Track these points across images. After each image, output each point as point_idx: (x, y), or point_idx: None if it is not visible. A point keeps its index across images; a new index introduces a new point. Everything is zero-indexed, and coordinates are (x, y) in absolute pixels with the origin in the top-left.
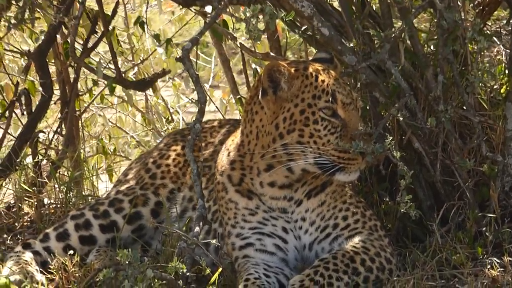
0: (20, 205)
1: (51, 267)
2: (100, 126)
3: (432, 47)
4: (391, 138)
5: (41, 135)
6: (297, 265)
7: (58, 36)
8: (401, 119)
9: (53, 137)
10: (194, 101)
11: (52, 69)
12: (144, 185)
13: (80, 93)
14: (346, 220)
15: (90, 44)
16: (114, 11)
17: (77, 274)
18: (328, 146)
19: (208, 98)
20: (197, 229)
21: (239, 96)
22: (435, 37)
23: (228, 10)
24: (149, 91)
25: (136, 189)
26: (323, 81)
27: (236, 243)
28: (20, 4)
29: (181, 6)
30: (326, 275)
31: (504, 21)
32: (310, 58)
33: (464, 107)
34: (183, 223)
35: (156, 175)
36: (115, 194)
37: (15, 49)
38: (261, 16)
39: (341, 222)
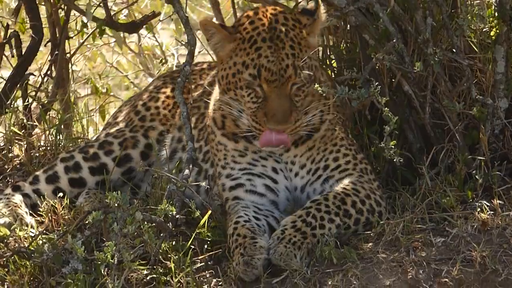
0: (10, 147)
1: (41, 209)
2: (98, 64)
3: None
4: (377, 83)
5: (31, 77)
6: (287, 207)
7: None
8: (387, 64)
9: (43, 79)
10: (184, 43)
11: (42, 11)
12: (133, 127)
13: (70, 36)
14: (337, 161)
15: None
16: None
17: (66, 217)
18: (250, 112)
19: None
20: (186, 171)
21: None
22: None
23: None
24: (144, 31)
25: (126, 131)
26: (257, 49)
27: (226, 184)
28: None
29: None
30: (318, 217)
31: None
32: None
33: (454, 50)
34: (173, 164)
35: (146, 117)
36: (104, 136)
37: None
38: None
39: (332, 163)
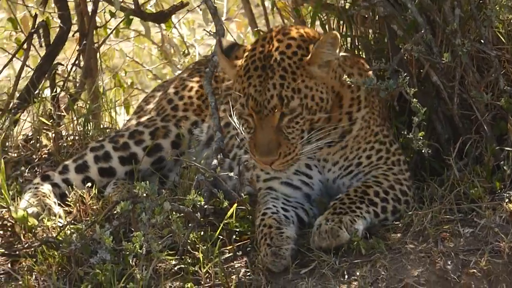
0: (38, 137)
1: (69, 199)
2: (117, 59)
3: None
4: (405, 74)
5: (59, 67)
6: (315, 198)
7: None
8: (415, 55)
9: (71, 69)
10: (212, 33)
11: (70, 0)
12: (165, 116)
13: (98, 25)
14: (369, 158)
15: None
16: None
17: (95, 207)
18: (247, 140)
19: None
20: (215, 161)
21: (257, 29)
22: None
23: None
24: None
25: (157, 120)
26: (249, 78)
27: (261, 175)
28: None
29: None
30: (346, 207)
31: None
32: None
33: (482, 41)
34: (210, 150)
35: (178, 107)
36: (135, 125)
37: None
38: None
39: (364, 161)
